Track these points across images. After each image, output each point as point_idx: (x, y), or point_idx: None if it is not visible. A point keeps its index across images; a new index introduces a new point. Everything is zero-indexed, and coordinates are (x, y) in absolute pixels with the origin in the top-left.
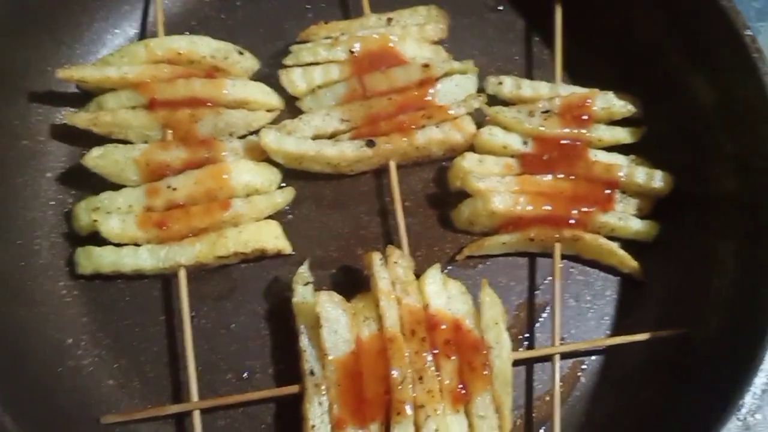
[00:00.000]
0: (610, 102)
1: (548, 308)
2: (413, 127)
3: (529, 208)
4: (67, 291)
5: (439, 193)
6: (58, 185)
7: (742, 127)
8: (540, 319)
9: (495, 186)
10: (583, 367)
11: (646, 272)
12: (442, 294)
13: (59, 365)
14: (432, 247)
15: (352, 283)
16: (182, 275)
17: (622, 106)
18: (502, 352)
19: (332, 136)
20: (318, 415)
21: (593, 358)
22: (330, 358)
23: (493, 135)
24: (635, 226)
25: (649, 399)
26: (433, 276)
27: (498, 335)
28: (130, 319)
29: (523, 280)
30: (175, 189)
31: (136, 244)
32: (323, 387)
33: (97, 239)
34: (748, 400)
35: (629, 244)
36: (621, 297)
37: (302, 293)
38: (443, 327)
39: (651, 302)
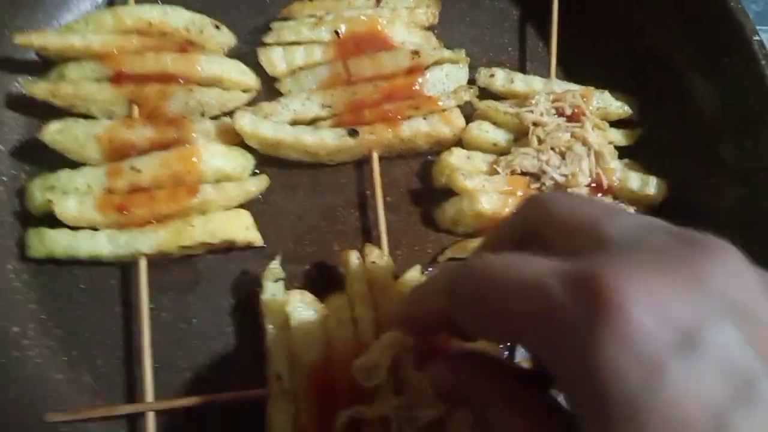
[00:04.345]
0: (606, 101)
1: None
2: (399, 117)
3: None
4: (15, 275)
5: (423, 188)
6: (12, 159)
7: (746, 135)
8: None
9: (483, 185)
10: None
11: None
12: None
13: (2, 356)
14: (413, 246)
15: (327, 281)
16: (143, 264)
17: (618, 107)
18: None
19: (312, 123)
20: (282, 422)
21: None
22: (299, 361)
23: (482, 130)
24: None
25: None
26: (413, 278)
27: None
28: (83, 309)
29: None
30: (139, 171)
31: (94, 229)
32: (290, 393)
33: (51, 220)
34: None
35: None
36: None
37: (272, 290)
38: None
39: None
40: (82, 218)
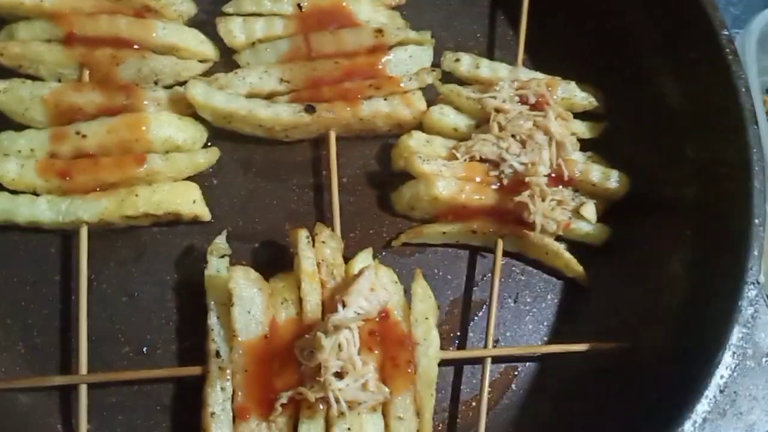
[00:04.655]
0: (571, 92)
1: (484, 307)
2: (359, 96)
3: (475, 197)
4: None
5: (380, 171)
6: None
7: (708, 131)
8: (475, 318)
9: (440, 170)
10: (516, 373)
11: (592, 278)
12: None
13: None
14: (367, 230)
15: (275, 261)
16: (83, 233)
17: (583, 98)
18: (429, 350)
19: (269, 97)
20: (219, 401)
21: (527, 364)
22: (239, 339)
23: (444, 115)
24: (585, 228)
25: (582, 413)
26: (364, 260)
27: (427, 331)
28: (20, 276)
29: (461, 275)
30: (84, 136)
31: (35, 193)
32: (228, 371)
33: None
34: (688, 427)
35: (576, 246)
36: (562, 302)
37: (216, 266)
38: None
39: (594, 310)
40: (21, 182)
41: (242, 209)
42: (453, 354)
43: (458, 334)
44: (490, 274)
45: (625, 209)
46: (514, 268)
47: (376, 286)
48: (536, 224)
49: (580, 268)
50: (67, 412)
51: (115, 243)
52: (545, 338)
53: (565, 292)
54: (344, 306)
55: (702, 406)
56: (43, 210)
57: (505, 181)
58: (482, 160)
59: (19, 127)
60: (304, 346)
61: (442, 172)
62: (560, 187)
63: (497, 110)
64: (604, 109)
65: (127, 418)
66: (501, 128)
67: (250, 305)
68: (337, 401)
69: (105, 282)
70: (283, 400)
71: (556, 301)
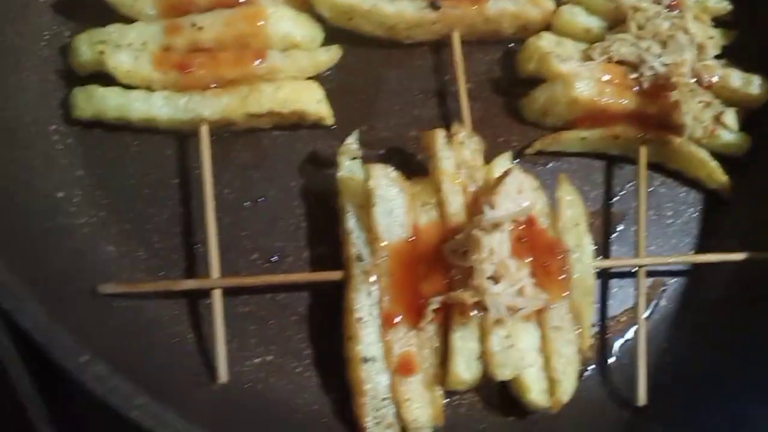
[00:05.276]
0: None
1: (625, 219)
2: None
3: (615, 100)
4: (59, 137)
5: (506, 78)
6: (54, 14)
7: None
8: (616, 231)
9: (579, 70)
10: (664, 287)
11: (734, 190)
12: None
13: (49, 220)
14: (496, 138)
15: (401, 169)
16: (204, 132)
17: (716, 2)
18: (584, 257)
19: None
20: (366, 306)
21: (674, 280)
22: (382, 243)
23: (574, 15)
24: (726, 137)
25: (730, 329)
26: (504, 164)
27: (579, 237)
28: (135, 180)
29: (599, 186)
30: (200, 28)
31: (150, 89)
32: (373, 275)
33: (99, 79)
34: None
35: (715, 158)
36: (705, 215)
37: (349, 167)
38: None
39: (737, 224)
40: (137, 74)
41: (364, 115)
42: (606, 263)
43: (598, 248)
44: (629, 185)
45: (763, 119)
46: (653, 180)
47: (523, 188)
48: (685, 126)
49: (724, 178)
50: (196, 320)
51: (234, 147)
52: (690, 252)
53: (707, 205)
54: (491, 208)
55: None
56: (159, 106)
57: (645, 84)
58: (620, 63)
59: (125, 21)
60: (456, 247)
61: (581, 73)
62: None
63: (634, 9)
64: (736, 17)
65: (260, 328)
66: (639, 28)
67: (392, 206)
68: (495, 307)
69: (227, 187)
70: (435, 306)
71: (698, 214)
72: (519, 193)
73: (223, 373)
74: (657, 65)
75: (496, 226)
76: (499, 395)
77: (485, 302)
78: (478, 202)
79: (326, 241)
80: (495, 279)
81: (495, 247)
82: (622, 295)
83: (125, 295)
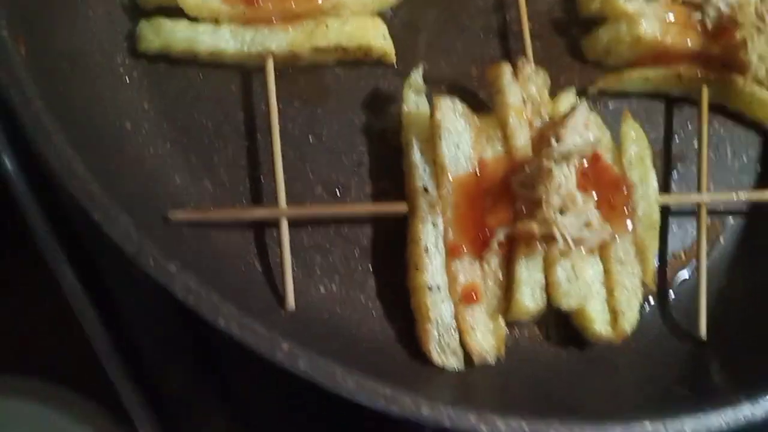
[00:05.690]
0: None
1: (685, 160)
2: None
3: (680, 39)
4: (124, 69)
5: (567, 17)
6: None
7: None
8: (677, 172)
9: (644, 10)
10: (723, 227)
11: None
12: None
13: (117, 149)
14: (557, 77)
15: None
16: (270, 65)
17: None
18: (649, 191)
19: None
20: (432, 237)
21: (732, 221)
22: (448, 175)
23: None
24: None
25: None
26: (570, 99)
27: (644, 173)
28: (200, 113)
29: (659, 127)
30: None
31: (216, 22)
32: (438, 207)
33: (166, 12)
34: None
35: None
36: (765, 157)
37: (415, 101)
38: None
39: None
40: (205, 6)
41: (426, 52)
42: (671, 198)
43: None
44: (689, 126)
45: None
46: (713, 122)
47: (590, 123)
48: (751, 64)
49: None
50: (263, 250)
51: (297, 82)
52: None
53: (766, 147)
54: (558, 141)
55: None
56: (227, 39)
57: (709, 26)
58: (684, 3)
59: None
60: (524, 179)
61: (645, 12)
62: None
63: None
64: None
65: (325, 260)
66: None
67: (458, 139)
68: (563, 238)
69: (290, 121)
70: (501, 237)
71: (757, 156)
72: (586, 128)
73: (290, 302)
74: (722, 5)
75: (565, 158)
76: (559, 331)
77: (553, 233)
78: (543, 138)
79: (388, 176)
80: (562, 211)
81: (562, 180)
82: (681, 234)
83: (195, 224)
